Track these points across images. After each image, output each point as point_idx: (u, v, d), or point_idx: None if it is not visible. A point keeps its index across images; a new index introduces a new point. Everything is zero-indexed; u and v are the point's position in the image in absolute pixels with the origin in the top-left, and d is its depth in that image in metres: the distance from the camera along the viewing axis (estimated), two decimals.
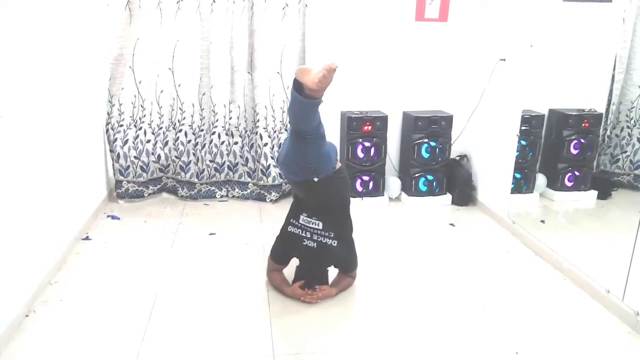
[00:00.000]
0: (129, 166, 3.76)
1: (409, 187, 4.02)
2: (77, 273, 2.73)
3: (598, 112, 4.02)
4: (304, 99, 2.10)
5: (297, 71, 2.12)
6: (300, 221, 2.52)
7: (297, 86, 2.10)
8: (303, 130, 2.24)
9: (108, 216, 3.52)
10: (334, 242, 2.50)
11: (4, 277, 2.16)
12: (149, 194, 3.88)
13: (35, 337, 2.18)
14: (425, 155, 3.94)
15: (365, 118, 3.79)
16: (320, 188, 2.40)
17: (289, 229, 2.56)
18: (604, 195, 4.05)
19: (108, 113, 3.65)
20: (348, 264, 2.66)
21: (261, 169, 3.86)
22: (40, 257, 2.55)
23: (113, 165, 3.75)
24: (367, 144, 3.82)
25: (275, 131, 3.83)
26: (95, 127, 3.58)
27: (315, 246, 2.50)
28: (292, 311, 2.46)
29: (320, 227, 2.49)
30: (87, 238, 3.14)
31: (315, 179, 2.37)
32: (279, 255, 2.65)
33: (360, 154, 3.83)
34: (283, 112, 3.80)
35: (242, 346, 2.18)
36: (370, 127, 3.81)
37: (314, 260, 2.56)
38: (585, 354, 2.21)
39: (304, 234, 2.52)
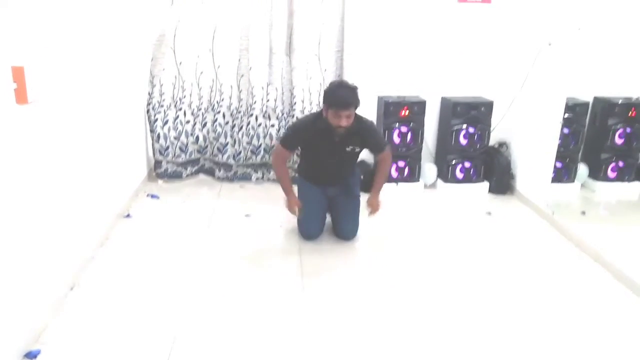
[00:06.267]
0: (168, 147, 3.84)
1: (445, 174, 3.97)
2: (119, 249, 2.82)
3: None
4: None
5: None
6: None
7: None
8: None
9: (148, 195, 3.61)
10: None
11: (53, 252, 2.25)
12: (187, 175, 3.96)
13: (80, 308, 2.27)
14: (463, 141, 3.88)
15: (403, 103, 3.74)
16: None
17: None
18: None
19: (149, 93, 3.72)
20: (378, 144, 3.02)
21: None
22: (84, 233, 2.64)
23: (153, 145, 3.83)
24: (403, 129, 3.78)
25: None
26: (137, 107, 3.66)
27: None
28: (326, 287, 2.49)
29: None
30: (128, 216, 3.23)
31: None
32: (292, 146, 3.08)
33: (397, 139, 3.80)
34: (320, 94, 3.79)
35: (275, 319, 2.23)
36: (407, 112, 3.75)
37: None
38: (623, 350, 2.17)
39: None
